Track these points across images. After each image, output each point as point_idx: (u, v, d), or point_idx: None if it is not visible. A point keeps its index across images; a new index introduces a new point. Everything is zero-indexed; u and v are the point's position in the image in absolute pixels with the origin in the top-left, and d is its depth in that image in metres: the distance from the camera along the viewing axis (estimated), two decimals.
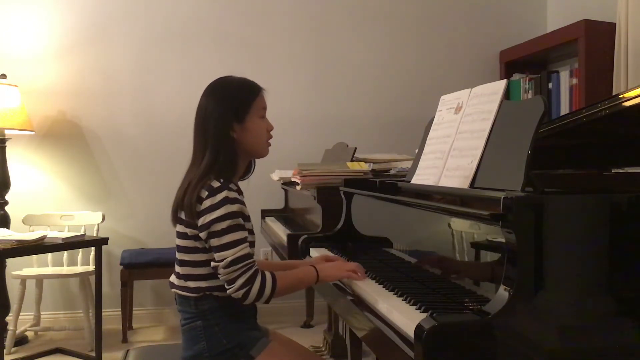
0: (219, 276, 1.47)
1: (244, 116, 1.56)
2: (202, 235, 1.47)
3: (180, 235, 1.55)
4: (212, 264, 1.47)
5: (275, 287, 1.48)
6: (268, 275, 1.49)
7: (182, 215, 1.52)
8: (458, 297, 1.27)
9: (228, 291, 1.46)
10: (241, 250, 1.46)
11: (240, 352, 1.51)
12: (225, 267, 1.44)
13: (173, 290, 1.58)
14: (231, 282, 1.45)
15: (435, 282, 1.42)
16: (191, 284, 1.53)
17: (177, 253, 1.57)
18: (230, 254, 1.44)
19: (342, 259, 1.76)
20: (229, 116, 1.54)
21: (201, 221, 1.47)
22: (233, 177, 1.56)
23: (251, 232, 1.55)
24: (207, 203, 1.46)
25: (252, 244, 1.52)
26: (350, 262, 1.66)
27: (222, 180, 1.49)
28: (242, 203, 1.52)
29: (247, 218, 1.54)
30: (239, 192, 1.54)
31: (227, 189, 1.48)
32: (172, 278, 1.60)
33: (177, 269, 1.57)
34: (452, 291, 1.31)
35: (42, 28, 3.59)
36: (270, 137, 1.64)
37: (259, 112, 1.60)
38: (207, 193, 1.47)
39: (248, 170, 1.68)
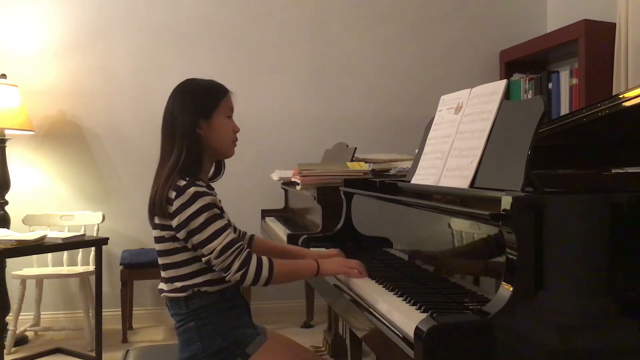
0: (213, 268, 1.47)
1: (210, 113, 1.56)
2: (181, 235, 1.47)
3: (158, 239, 1.55)
4: (203, 259, 1.47)
5: (272, 270, 1.48)
6: (265, 258, 1.50)
7: (156, 220, 1.52)
8: (458, 297, 1.27)
9: (226, 278, 1.46)
10: (227, 236, 1.46)
11: (236, 350, 1.51)
12: (217, 257, 1.44)
13: (163, 295, 1.58)
14: (227, 268, 1.45)
15: (435, 282, 1.42)
16: (178, 284, 1.52)
17: (158, 258, 1.57)
18: (218, 243, 1.45)
19: (344, 256, 1.76)
20: (196, 113, 1.55)
21: (176, 221, 1.46)
22: (199, 174, 1.55)
23: (229, 224, 1.55)
24: (177, 203, 1.46)
25: None
26: (352, 260, 1.66)
27: (187, 179, 1.49)
28: (214, 196, 1.52)
29: (221, 209, 1.53)
30: (209, 187, 1.54)
31: (195, 185, 1.47)
32: (161, 284, 1.59)
33: (162, 273, 1.57)
34: (452, 291, 1.31)
35: (42, 28, 3.59)
36: (236, 138, 1.63)
37: (225, 112, 1.60)
38: (175, 193, 1.47)
39: (218, 172, 1.68)
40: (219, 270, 1.47)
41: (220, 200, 1.55)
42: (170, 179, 1.49)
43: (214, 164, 1.66)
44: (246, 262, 1.46)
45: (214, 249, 1.44)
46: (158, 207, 1.48)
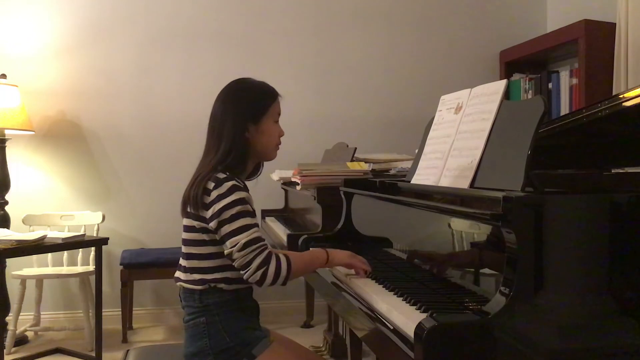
0: (234, 263, 1.48)
1: (260, 118, 1.60)
2: (212, 224, 1.49)
3: (188, 228, 1.57)
4: (226, 251, 1.48)
5: (290, 268, 1.50)
6: (282, 256, 1.51)
7: (190, 209, 1.54)
8: (458, 297, 1.27)
9: (245, 276, 1.47)
10: (253, 233, 1.48)
11: (243, 351, 1.52)
12: (239, 250, 1.46)
13: (178, 284, 1.59)
14: (247, 265, 1.46)
15: (435, 282, 1.42)
16: (197, 276, 1.54)
17: (183, 247, 1.59)
18: (243, 237, 1.46)
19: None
20: (246, 117, 1.58)
21: (210, 212, 1.49)
22: (240, 174, 1.59)
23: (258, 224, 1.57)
24: (214, 194, 1.49)
25: None
26: (358, 256, 1.66)
27: (228, 173, 1.53)
28: (249, 195, 1.55)
29: (254, 211, 1.56)
30: (245, 187, 1.57)
31: (234, 179, 1.51)
32: (178, 273, 1.61)
33: (183, 262, 1.58)
34: (452, 291, 1.31)
35: (42, 28, 3.59)
36: (280, 142, 1.67)
37: (274, 117, 1.64)
38: (213, 184, 1.50)
39: (255, 172, 1.71)
40: (238, 266, 1.47)
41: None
42: (212, 171, 1.52)
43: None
44: (266, 262, 1.47)
45: (238, 242, 1.46)
46: (194, 196, 1.51)
